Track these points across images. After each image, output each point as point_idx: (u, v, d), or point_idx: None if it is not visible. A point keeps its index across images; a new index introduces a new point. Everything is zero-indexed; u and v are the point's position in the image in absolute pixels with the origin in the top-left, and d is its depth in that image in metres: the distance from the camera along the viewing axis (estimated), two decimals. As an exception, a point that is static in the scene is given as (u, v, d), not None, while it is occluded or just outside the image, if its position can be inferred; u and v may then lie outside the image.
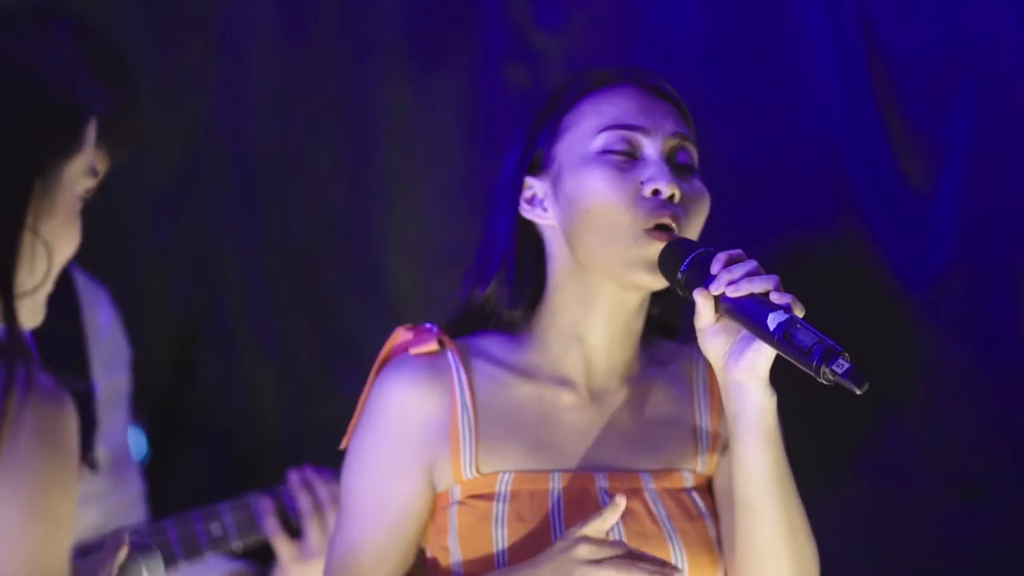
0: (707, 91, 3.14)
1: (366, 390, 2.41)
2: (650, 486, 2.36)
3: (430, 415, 2.37)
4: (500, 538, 2.32)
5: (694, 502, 2.37)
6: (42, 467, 1.81)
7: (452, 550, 2.35)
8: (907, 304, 3.02)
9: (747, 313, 2.21)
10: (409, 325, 2.43)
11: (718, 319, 2.26)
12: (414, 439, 2.37)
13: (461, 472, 2.35)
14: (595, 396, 2.42)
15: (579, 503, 2.32)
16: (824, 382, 2.15)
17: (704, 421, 2.42)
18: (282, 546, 3.26)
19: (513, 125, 2.48)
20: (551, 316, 2.42)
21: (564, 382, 2.42)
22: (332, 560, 2.37)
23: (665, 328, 2.49)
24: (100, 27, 3.17)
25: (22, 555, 1.80)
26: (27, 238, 1.88)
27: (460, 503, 2.35)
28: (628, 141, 2.37)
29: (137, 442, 3.53)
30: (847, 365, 2.13)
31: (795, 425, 3.02)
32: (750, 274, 2.24)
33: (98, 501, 3.22)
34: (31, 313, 1.92)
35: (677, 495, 2.36)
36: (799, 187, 3.11)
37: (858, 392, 2.14)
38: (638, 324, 2.43)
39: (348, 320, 3.55)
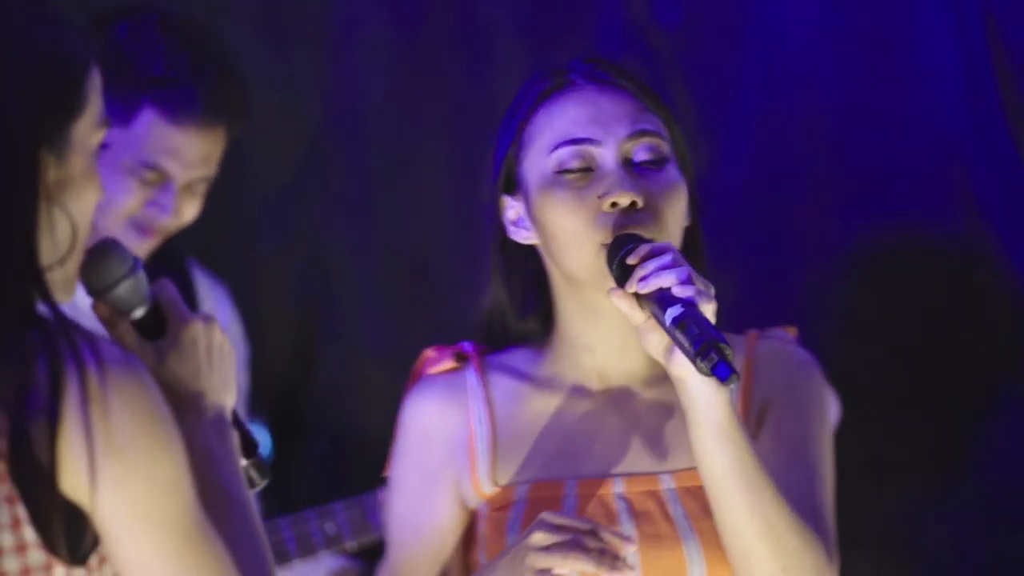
0: (827, 89, 3.11)
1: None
2: (669, 486, 2.32)
3: (449, 432, 2.39)
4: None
5: None
6: (145, 441, 1.80)
7: (482, 564, 2.34)
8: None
9: (656, 309, 2.19)
10: (437, 346, 2.46)
11: (647, 316, 2.21)
12: (438, 457, 2.39)
13: (480, 486, 2.36)
14: (613, 401, 2.39)
15: (593, 509, 2.30)
16: (702, 374, 2.13)
17: None
18: (394, 545, 3.26)
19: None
20: (561, 328, 2.40)
21: (580, 391, 2.39)
22: None
23: None
24: (214, 34, 3.24)
25: (171, 522, 1.81)
26: (44, 208, 1.82)
27: (486, 517, 2.34)
28: (581, 156, 2.31)
29: (262, 439, 3.55)
30: (716, 360, 2.10)
31: (913, 426, 2.98)
32: (660, 268, 2.18)
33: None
34: (62, 288, 1.87)
35: (697, 493, 2.31)
36: (920, 185, 3.07)
37: (723, 383, 2.10)
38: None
39: (463, 320, 3.54)
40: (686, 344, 2.13)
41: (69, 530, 1.79)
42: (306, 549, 3.22)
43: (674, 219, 2.30)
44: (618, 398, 2.39)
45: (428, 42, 3.52)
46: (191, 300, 3.34)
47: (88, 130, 1.86)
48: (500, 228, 2.39)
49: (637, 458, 2.34)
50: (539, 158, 2.34)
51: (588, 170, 2.31)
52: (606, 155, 2.31)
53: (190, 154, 3.13)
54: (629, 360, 2.38)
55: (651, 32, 3.31)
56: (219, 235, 3.53)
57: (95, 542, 1.82)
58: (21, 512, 1.78)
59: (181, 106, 3.11)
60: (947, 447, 3.04)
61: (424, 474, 2.39)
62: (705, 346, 2.10)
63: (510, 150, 2.37)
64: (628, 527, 2.28)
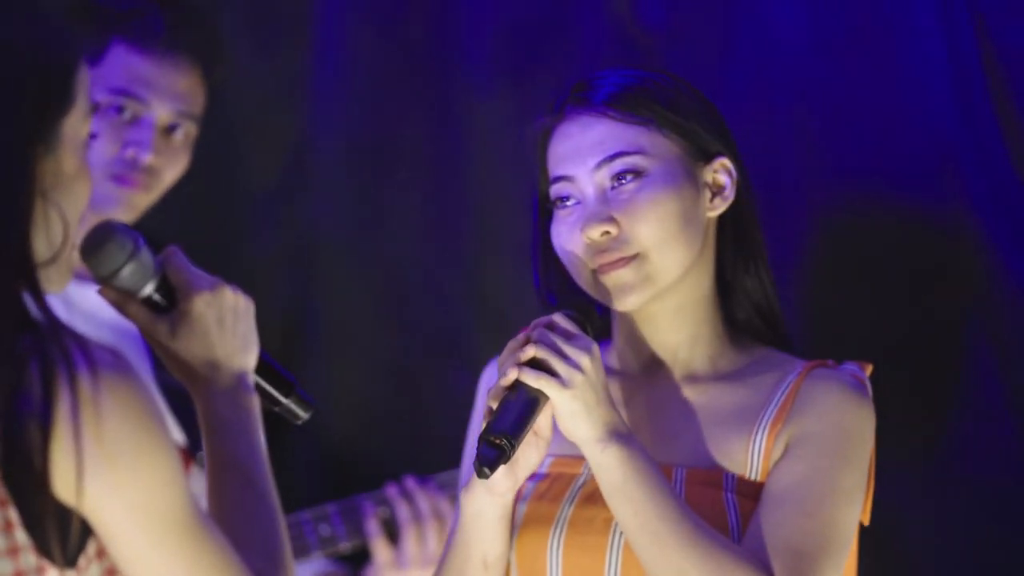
0: (815, 90, 3.11)
1: None
2: (679, 477, 2.38)
3: None
4: (520, 514, 2.41)
5: (726, 503, 2.37)
6: (138, 443, 1.80)
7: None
8: (1021, 305, 2.98)
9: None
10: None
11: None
12: None
13: None
14: (645, 391, 2.48)
15: (598, 490, 2.35)
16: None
17: (760, 432, 2.41)
18: (380, 550, 3.27)
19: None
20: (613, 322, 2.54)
21: (621, 379, 2.50)
22: None
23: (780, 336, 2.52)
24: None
25: (167, 521, 1.82)
26: (39, 205, 1.83)
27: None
28: (569, 192, 2.43)
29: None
30: (479, 454, 2.24)
31: (907, 424, 2.98)
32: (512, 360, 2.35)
33: (202, 499, 3.24)
34: (58, 278, 1.88)
35: (701, 492, 2.37)
36: (911, 186, 3.07)
37: (479, 476, 2.25)
38: (681, 329, 2.47)
39: (449, 322, 3.54)
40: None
41: (61, 533, 1.79)
42: (300, 551, 3.22)
43: (653, 231, 2.39)
44: (651, 389, 2.47)
45: (410, 44, 3.51)
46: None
47: (77, 124, 1.87)
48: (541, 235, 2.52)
49: (657, 447, 2.41)
50: (548, 190, 2.47)
51: (579, 202, 2.43)
52: (585, 188, 2.42)
53: (161, 81, 3.11)
54: (647, 355, 2.48)
55: (635, 34, 3.29)
56: (205, 240, 3.52)
57: (83, 542, 1.82)
58: (13, 515, 1.78)
59: (148, 33, 3.10)
60: (943, 446, 3.04)
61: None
62: (480, 439, 2.25)
63: (540, 181, 2.49)
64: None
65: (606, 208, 2.39)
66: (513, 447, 2.23)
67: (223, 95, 3.28)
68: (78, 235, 1.93)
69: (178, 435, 3.19)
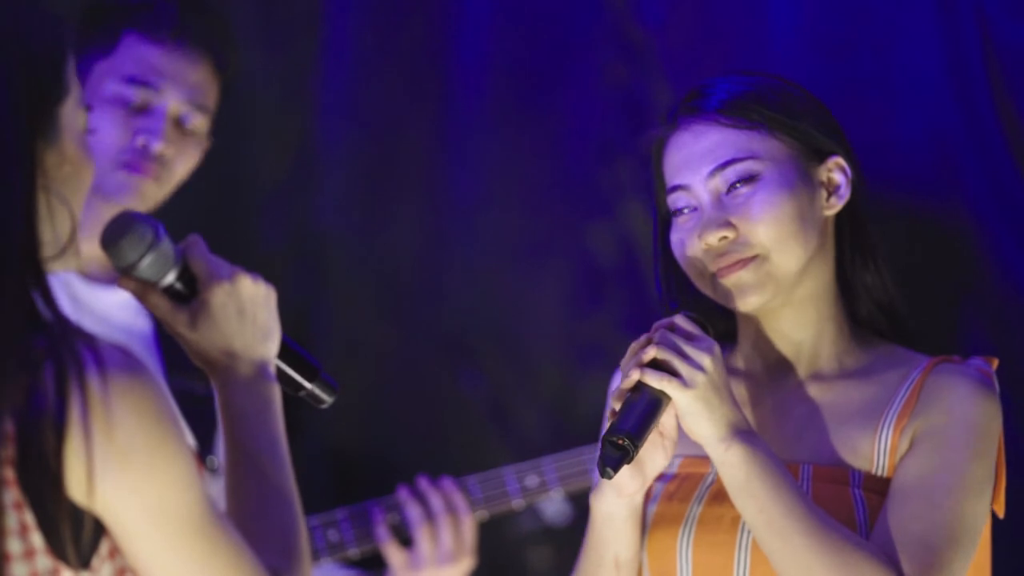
0: (815, 89, 3.10)
1: None
2: (806, 475, 2.40)
3: None
4: (649, 514, 2.45)
5: (854, 499, 2.39)
6: (151, 443, 1.80)
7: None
8: (1020, 302, 2.98)
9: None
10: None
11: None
12: None
13: None
14: (770, 391, 2.50)
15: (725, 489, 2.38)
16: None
17: (886, 428, 2.43)
18: (393, 555, 3.28)
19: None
20: (738, 324, 2.56)
21: (748, 380, 2.52)
22: None
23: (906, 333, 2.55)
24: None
25: (182, 520, 1.82)
26: (43, 200, 1.82)
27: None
28: (686, 200, 2.47)
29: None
30: (601, 455, 2.27)
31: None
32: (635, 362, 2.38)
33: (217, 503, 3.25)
34: (74, 258, 1.87)
35: (827, 490, 2.39)
36: (911, 185, 3.07)
37: (602, 476, 2.27)
38: (805, 327, 2.49)
39: (459, 323, 3.54)
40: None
41: (76, 535, 1.80)
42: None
43: (770, 232, 2.42)
44: (776, 388, 2.50)
45: (414, 42, 3.51)
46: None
47: (73, 112, 1.87)
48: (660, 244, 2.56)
49: (783, 445, 2.44)
50: (665, 199, 2.51)
51: (696, 208, 2.46)
52: (701, 195, 2.46)
53: (173, 71, 3.12)
54: (772, 355, 2.50)
55: (633, 32, 3.30)
56: (215, 235, 3.52)
57: (96, 543, 1.82)
58: (29, 518, 1.78)
59: (159, 23, 3.12)
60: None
61: None
62: (604, 440, 2.27)
63: (656, 190, 2.53)
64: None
65: (723, 213, 2.43)
66: (636, 447, 2.26)
67: (233, 94, 3.28)
68: (95, 225, 1.92)
69: (189, 439, 3.19)
